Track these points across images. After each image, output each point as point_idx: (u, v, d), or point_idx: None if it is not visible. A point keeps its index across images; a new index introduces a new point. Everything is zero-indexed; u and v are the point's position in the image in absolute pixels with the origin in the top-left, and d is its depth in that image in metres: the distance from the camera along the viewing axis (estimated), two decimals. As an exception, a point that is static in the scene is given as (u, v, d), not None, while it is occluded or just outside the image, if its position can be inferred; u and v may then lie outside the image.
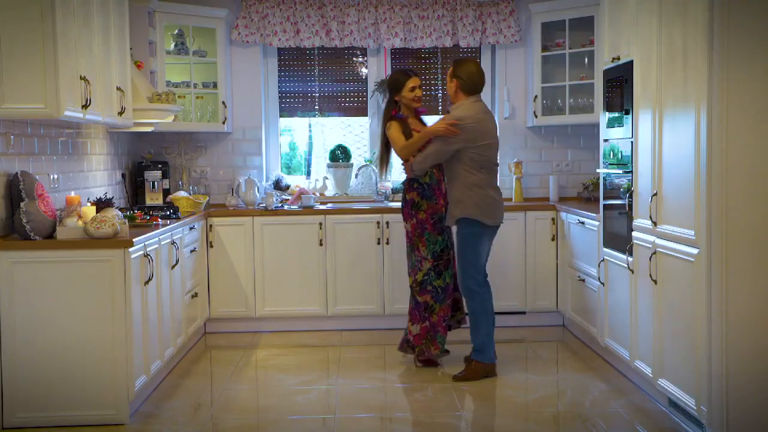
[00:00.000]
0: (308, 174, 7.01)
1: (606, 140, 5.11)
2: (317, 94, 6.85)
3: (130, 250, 4.15)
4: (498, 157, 5.05)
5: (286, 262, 6.17)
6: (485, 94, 6.86)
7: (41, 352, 4.06)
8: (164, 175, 6.26)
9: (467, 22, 6.55)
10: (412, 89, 5.16)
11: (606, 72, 5.05)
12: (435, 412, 4.39)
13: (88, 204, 4.63)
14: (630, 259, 4.58)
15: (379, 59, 6.77)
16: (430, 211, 5.11)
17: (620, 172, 4.83)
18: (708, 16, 3.58)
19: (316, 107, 6.85)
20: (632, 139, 4.59)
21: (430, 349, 5.08)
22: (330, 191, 6.78)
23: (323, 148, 6.99)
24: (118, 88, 4.95)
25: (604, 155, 5.16)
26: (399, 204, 6.41)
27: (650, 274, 4.25)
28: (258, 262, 6.15)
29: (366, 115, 6.89)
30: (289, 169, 7.06)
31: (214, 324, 6.24)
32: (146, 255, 4.42)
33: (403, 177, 6.84)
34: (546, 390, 4.75)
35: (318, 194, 6.61)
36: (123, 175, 6.12)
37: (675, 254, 3.98)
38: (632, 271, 4.56)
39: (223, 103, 6.43)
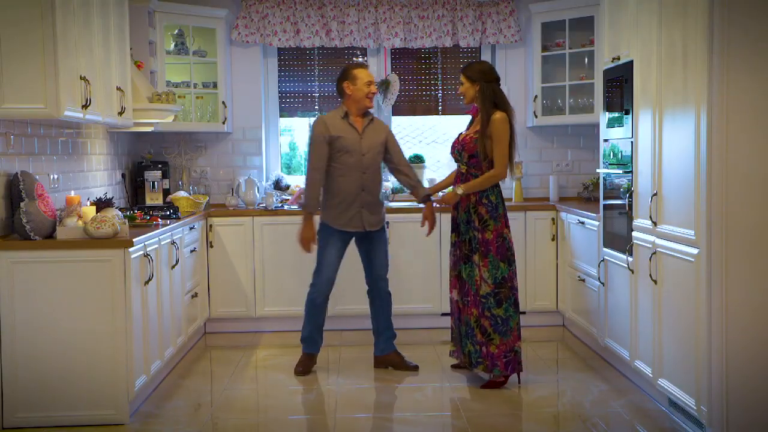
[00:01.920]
0: (308, 174, 7.00)
1: (606, 140, 5.11)
2: (317, 94, 6.84)
3: (130, 250, 4.15)
4: None
5: (286, 262, 6.17)
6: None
7: (41, 352, 4.06)
8: (164, 175, 6.26)
9: (467, 22, 6.55)
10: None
11: (606, 72, 5.05)
12: (435, 412, 4.39)
13: (88, 204, 4.63)
14: (630, 259, 4.58)
15: (379, 59, 6.77)
16: (495, 233, 4.69)
17: (620, 172, 4.83)
18: (708, 16, 3.58)
19: (316, 107, 6.85)
20: (632, 139, 4.59)
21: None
22: (330, 191, 6.77)
23: (323, 148, 6.98)
24: (118, 88, 4.95)
25: (604, 155, 5.16)
26: (399, 204, 6.42)
27: (650, 274, 4.25)
28: (258, 262, 6.15)
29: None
30: (289, 169, 7.06)
31: (214, 324, 6.24)
32: (146, 255, 4.42)
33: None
34: (546, 390, 4.75)
35: (318, 194, 6.61)
36: (123, 175, 6.12)
37: (675, 254, 3.98)
38: (632, 271, 4.56)
39: (223, 103, 6.43)
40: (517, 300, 4.75)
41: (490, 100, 4.67)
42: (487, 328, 4.66)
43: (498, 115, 4.64)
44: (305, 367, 5.09)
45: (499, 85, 4.74)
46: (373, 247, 5.08)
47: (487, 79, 4.67)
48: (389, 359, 5.16)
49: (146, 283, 4.41)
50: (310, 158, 4.91)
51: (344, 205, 4.93)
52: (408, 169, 5.10)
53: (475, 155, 4.70)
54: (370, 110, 5.02)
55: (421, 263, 6.17)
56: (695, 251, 3.75)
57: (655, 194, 4.22)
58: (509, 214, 6.11)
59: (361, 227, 4.97)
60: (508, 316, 4.68)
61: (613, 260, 4.91)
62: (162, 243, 4.78)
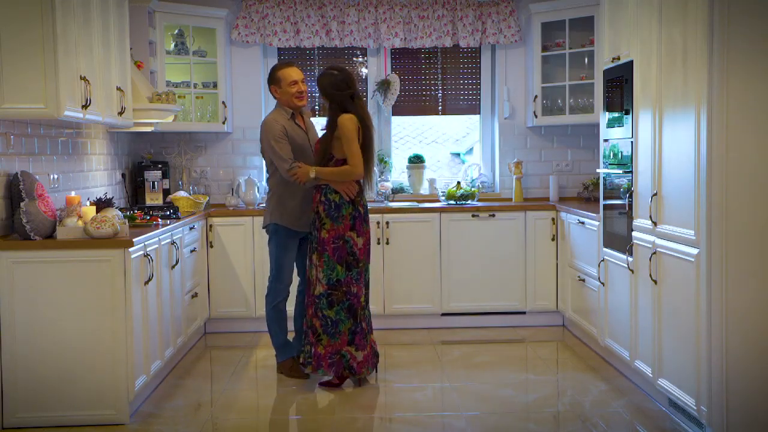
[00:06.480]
0: (308, 174, 7.00)
1: (606, 140, 5.11)
2: (317, 94, 6.83)
3: (130, 250, 4.15)
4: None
5: (286, 262, 6.16)
6: (485, 93, 6.87)
7: (41, 352, 4.06)
8: (164, 175, 6.26)
9: (467, 22, 6.55)
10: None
11: (606, 72, 5.05)
12: (435, 412, 4.39)
13: (88, 204, 4.63)
14: (630, 259, 4.58)
15: (379, 59, 6.77)
16: (333, 233, 4.68)
17: (620, 172, 4.83)
18: (708, 16, 3.58)
19: (317, 107, 6.85)
20: (632, 139, 4.60)
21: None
22: (330, 191, 6.76)
23: (323, 148, 6.98)
24: (118, 88, 4.96)
25: (604, 155, 5.16)
26: (399, 204, 6.43)
27: (650, 274, 4.25)
28: (258, 262, 6.15)
29: (366, 115, 6.88)
30: (289, 169, 7.05)
31: (214, 324, 6.24)
32: (146, 255, 4.42)
33: (404, 177, 6.88)
34: (546, 390, 4.75)
35: (318, 194, 6.60)
36: (123, 175, 6.12)
37: (675, 254, 3.98)
38: (632, 271, 4.56)
39: (223, 103, 6.43)
40: (353, 306, 4.70)
41: (337, 107, 4.66)
42: (318, 328, 4.72)
43: (346, 116, 4.61)
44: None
45: (353, 97, 4.66)
46: (303, 248, 5.01)
47: (339, 89, 4.63)
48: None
49: (146, 283, 4.41)
50: (281, 155, 4.70)
51: (304, 205, 4.83)
52: None
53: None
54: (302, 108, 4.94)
55: (420, 263, 6.17)
56: (695, 251, 3.75)
57: (655, 194, 4.22)
58: (510, 214, 6.19)
59: (309, 228, 4.86)
60: (339, 319, 4.69)
61: (613, 260, 4.91)
62: (162, 243, 4.78)
